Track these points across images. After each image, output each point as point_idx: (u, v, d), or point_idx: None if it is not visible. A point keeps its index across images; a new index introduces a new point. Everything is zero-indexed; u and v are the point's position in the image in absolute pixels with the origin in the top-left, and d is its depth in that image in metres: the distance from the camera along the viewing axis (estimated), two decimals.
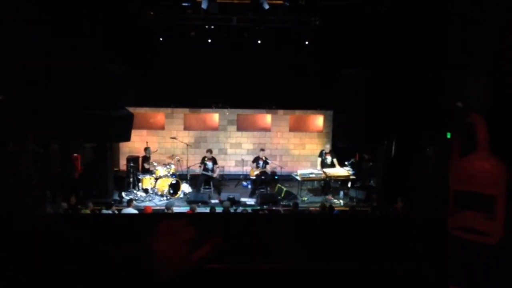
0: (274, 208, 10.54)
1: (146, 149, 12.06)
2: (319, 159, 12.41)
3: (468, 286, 1.60)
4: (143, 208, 10.07)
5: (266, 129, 13.97)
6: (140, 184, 11.54)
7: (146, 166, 11.73)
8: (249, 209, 10.22)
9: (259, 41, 12.76)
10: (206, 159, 11.82)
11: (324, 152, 12.43)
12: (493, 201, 1.47)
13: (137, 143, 12.97)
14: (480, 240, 1.50)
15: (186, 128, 13.70)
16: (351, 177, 11.91)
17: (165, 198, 11.27)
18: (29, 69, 9.27)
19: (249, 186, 12.51)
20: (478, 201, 1.51)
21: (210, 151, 12.03)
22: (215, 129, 13.83)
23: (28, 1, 8.84)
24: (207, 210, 9.97)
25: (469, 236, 1.52)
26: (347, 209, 10.88)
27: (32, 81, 9.39)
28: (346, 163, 12.26)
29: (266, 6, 10.01)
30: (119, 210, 9.49)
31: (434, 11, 8.67)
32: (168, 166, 11.75)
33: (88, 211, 9.11)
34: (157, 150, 12.81)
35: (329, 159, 12.29)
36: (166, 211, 9.56)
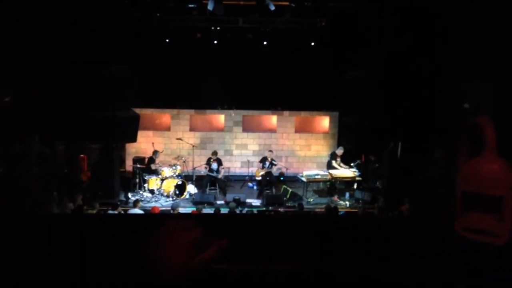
0: (279, 209, 10.53)
1: (155, 152, 12.02)
2: (333, 162, 12.24)
3: (475, 287, 1.59)
4: (149, 208, 10.09)
5: (272, 130, 13.96)
6: (146, 185, 11.57)
7: (153, 167, 11.74)
8: (254, 210, 10.22)
9: (264, 42, 12.78)
10: (211, 160, 11.85)
11: (335, 154, 12.33)
12: (501, 202, 1.47)
13: (143, 144, 13.02)
14: (487, 241, 1.49)
15: (192, 129, 13.73)
16: (357, 178, 11.88)
17: (171, 199, 11.30)
18: (35, 70, 9.33)
19: (255, 187, 12.51)
20: (486, 203, 1.50)
21: (215, 153, 12.03)
22: (221, 130, 13.84)
23: (33, 2, 8.90)
24: (213, 211, 9.98)
25: (477, 237, 1.52)
26: (354, 210, 10.85)
27: (38, 82, 9.45)
28: (352, 164, 12.23)
29: (272, 7, 10.00)
30: (125, 211, 9.52)
31: (441, 15, 8.64)
32: (174, 167, 11.77)
33: (94, 212, 9.14)
34: (163, 151, 12.84)
35: (338, 161, 12.26)
36: (172, 212, 9.58)
